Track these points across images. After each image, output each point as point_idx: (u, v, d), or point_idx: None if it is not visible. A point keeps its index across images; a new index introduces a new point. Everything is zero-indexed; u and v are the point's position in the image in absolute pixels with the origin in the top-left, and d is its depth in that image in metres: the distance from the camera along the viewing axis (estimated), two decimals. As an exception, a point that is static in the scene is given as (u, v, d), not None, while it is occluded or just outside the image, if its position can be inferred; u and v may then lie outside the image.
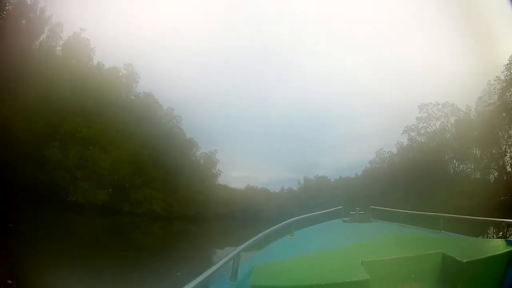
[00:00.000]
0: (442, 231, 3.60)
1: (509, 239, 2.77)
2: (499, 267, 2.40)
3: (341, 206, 4.75)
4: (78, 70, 19.33)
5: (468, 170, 23.27)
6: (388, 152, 27.22)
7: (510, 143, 21.39)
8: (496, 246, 2.67)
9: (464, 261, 2.23)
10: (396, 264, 2.28)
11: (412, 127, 25.02)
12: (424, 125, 24.71)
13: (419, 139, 24.98)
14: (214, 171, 23.88)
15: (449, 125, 24.18)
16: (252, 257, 2.75)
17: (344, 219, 4.56)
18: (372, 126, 24.94)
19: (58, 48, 20.13)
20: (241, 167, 26.07)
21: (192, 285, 1.67)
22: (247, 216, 21.67)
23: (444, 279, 2.30)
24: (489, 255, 2.47)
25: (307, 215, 3.89)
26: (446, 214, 3.71)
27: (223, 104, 23.11)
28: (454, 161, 23.68)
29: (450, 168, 23.70)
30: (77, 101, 18.63)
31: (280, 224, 3.17)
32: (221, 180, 23.59)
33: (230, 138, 23.65)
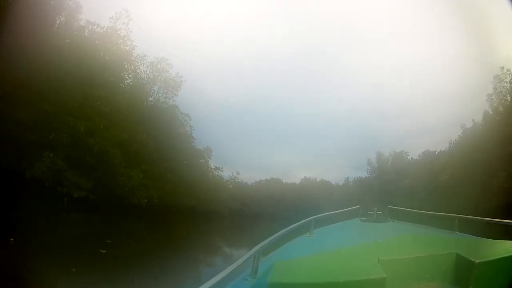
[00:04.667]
0: (457, 232, 3.65)
1: None
2: None
3: (359, 206, 4.81)
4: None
5: None
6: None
7: None
8: (510, 247, 2.69)
9: (477, 261, 2.28)
10: (411, 263, 2.35)
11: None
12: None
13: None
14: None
15: None
16: (272, 254, 2.85)
17: (361, 218, 4.62)
18: (435, 118, 22.24)
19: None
20: (302, 165, 24.83)
21: (213, 282, 1.74)
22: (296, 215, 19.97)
23: (458, 279, 2.36)
24: (503, 256, 2.50)
25: (325, 214, 3.99)
26: (461, 215, 3.75)
27: (280, 107, 22.75)
28: None
29: None
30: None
31: (299, 223, 3.26)
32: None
33: (292, 137, 23.03)
